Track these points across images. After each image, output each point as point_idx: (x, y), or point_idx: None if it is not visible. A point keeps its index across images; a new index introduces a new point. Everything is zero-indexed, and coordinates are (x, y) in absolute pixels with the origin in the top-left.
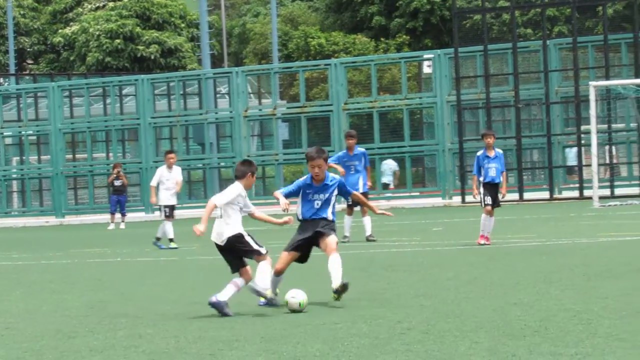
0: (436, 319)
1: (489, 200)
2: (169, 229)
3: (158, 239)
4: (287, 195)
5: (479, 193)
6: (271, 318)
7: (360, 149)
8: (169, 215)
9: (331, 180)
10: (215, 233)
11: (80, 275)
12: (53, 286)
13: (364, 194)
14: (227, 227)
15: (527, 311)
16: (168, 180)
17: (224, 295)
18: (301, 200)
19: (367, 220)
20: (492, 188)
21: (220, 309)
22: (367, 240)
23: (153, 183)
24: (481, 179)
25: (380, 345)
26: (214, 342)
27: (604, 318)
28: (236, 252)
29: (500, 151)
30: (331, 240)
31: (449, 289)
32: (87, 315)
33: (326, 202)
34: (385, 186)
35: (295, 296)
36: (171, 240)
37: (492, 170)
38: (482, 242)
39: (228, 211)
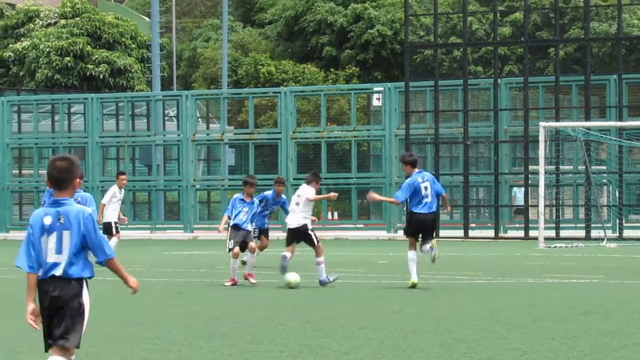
0: (382, 351)
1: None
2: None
3: None
4: None
5: None
6: (204, 343)
7: (283, 197)
8: (118, 231)
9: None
10: (292, 220)
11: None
12: None
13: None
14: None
15: (473, 348)
16: (119, 200)
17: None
18: None
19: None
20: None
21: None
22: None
23: (105, 201)
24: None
25: None
26: None
27: (551, 359)
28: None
29: None
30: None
31: (395, 322)
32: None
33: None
34: None
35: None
36: None
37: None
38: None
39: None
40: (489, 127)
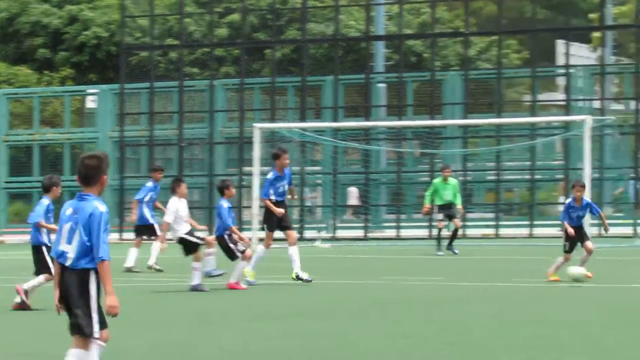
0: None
1: None
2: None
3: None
4: None
5: None
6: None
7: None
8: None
9: None
10: None
11: None
12: None
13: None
14: None
15: (188, 351)
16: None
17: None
18: None
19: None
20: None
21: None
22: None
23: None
24: None
25: None
26: None
27: None
28: None
29: None
30: None
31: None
32: None
33: None
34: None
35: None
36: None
37: None
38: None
39: None
40: (204, 128)
